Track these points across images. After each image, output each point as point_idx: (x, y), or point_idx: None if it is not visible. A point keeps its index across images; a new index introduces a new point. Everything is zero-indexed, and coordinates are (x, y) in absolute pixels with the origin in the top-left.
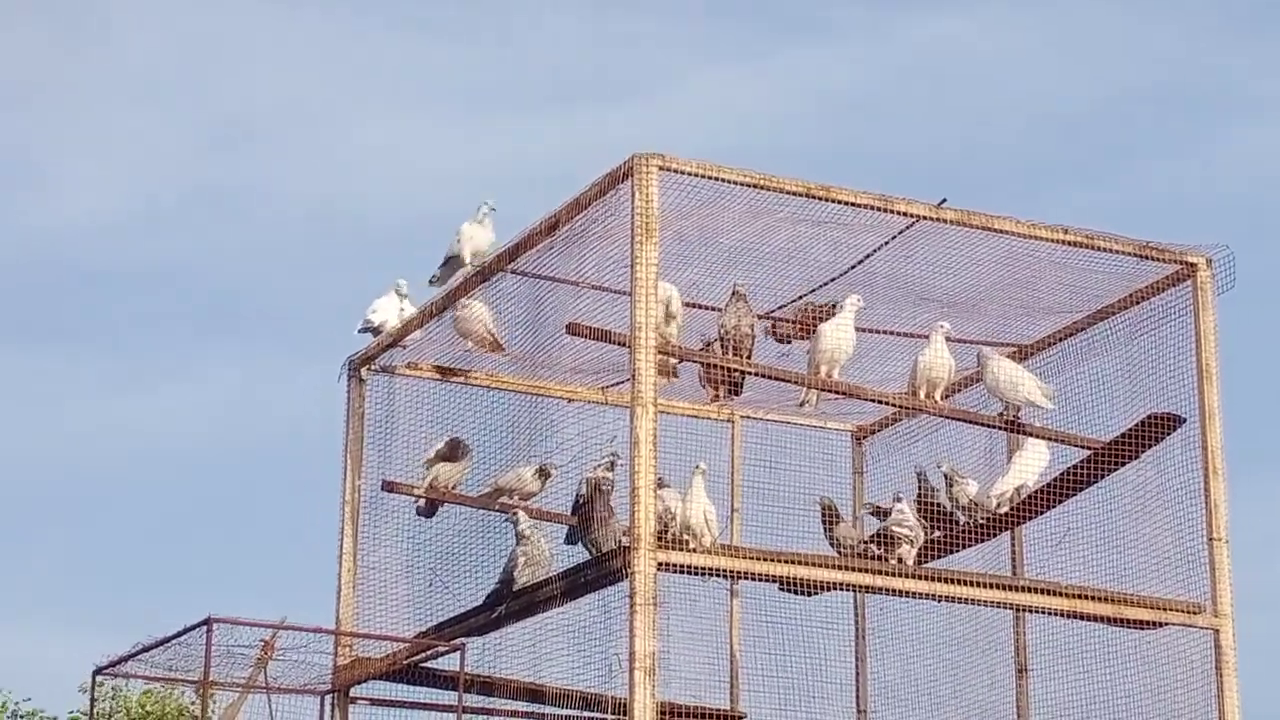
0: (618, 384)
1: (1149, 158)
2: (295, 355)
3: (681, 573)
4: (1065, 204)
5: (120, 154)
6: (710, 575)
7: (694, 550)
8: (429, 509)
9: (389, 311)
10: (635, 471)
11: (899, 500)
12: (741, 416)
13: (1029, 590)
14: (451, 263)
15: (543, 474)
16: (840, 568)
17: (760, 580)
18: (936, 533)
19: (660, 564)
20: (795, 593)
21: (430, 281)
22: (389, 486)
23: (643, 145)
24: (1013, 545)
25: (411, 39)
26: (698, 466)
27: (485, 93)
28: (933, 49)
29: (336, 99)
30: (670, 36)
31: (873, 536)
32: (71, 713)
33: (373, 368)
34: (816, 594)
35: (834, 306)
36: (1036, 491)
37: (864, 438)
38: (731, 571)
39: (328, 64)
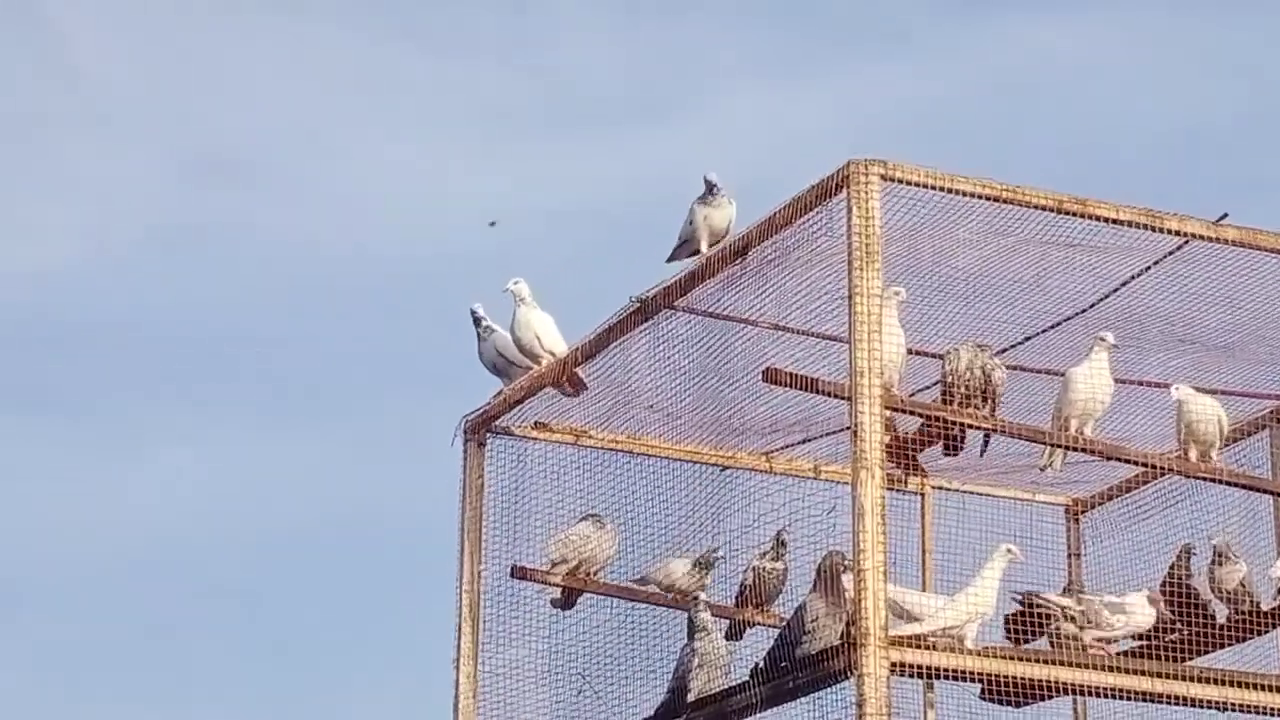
0: (786, 448)
1: None
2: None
3: (919, 676)
4: None
5: (84, 191)
6: (957, 679)
7: (935, 648)
8: (566, 600)
9: (546, 328)
10: (861, 551)
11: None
12: (934, 487)
13: None
14: (683, 248)
15: (702, 566)
16: (1120, 670)
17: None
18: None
19: (894, 665)
20: (1004, 704)
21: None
22: (520, 573)
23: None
24: None
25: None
26: (1006, 548)
27: (506, 115)
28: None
29: (331, 125)
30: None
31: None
32: None
33: (496, 429)
34: (1028, 704)
35: None
36: None
37: (1082, 512)
38: (984, 674)
39: (319, 86)
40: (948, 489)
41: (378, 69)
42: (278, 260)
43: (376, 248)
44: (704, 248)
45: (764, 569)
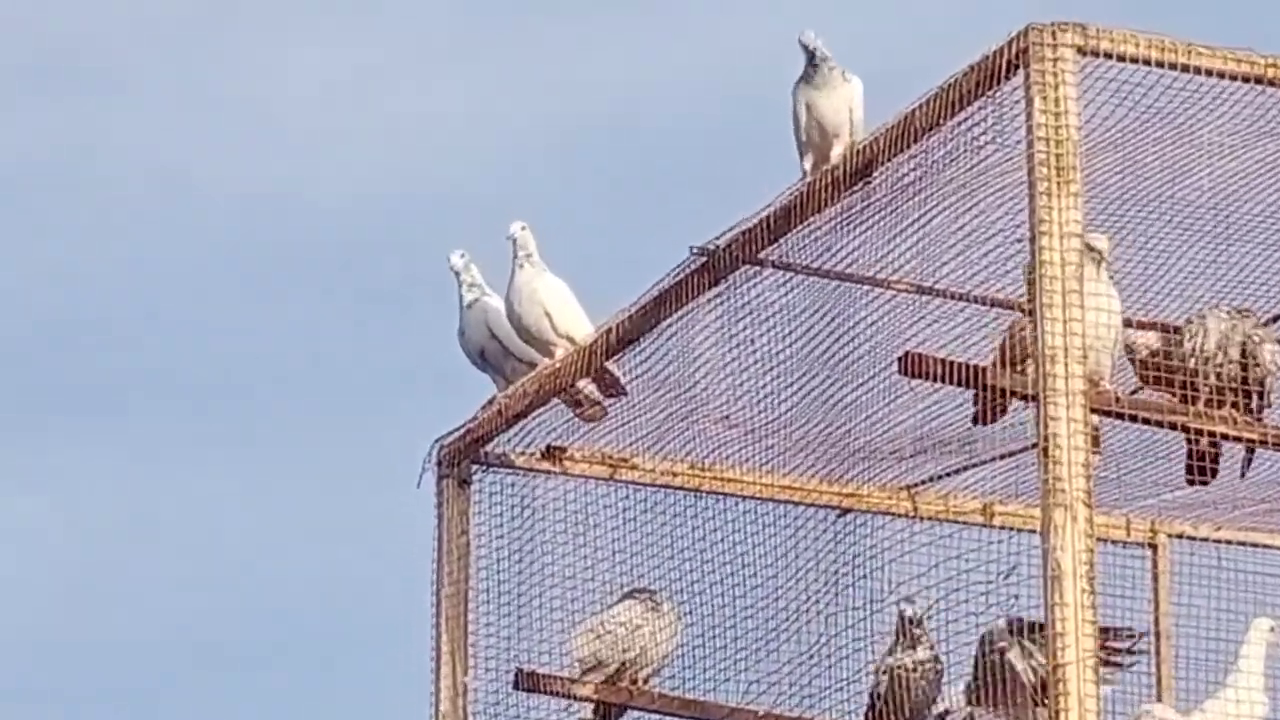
0: (939, 478)
1: None
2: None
3: None
4: None
5: None
6: None
7: None
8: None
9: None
10: (1059, 635)
11: None
12: (1171, 536)
13: None
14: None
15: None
16: None
17: None
18: None
19: None
20: None
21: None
22: (529, 681)
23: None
24: None
25: None
26: (1269, 625)
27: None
28: None
29: (221, 16)
30: None
31: None
32: None
33: (487, 458)
34: None
35: None
36: None
37: None
38: None
39: None
40: (1194, 538)
41: None
42: (145, 209)
43: (292, 188)
44: (811, 157)
45: (900, 667)
